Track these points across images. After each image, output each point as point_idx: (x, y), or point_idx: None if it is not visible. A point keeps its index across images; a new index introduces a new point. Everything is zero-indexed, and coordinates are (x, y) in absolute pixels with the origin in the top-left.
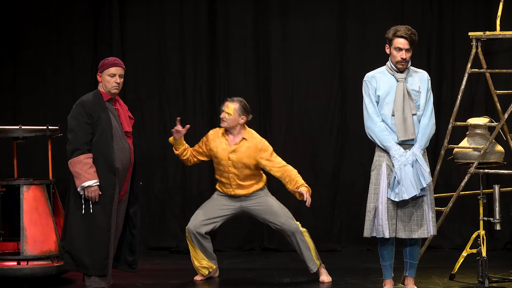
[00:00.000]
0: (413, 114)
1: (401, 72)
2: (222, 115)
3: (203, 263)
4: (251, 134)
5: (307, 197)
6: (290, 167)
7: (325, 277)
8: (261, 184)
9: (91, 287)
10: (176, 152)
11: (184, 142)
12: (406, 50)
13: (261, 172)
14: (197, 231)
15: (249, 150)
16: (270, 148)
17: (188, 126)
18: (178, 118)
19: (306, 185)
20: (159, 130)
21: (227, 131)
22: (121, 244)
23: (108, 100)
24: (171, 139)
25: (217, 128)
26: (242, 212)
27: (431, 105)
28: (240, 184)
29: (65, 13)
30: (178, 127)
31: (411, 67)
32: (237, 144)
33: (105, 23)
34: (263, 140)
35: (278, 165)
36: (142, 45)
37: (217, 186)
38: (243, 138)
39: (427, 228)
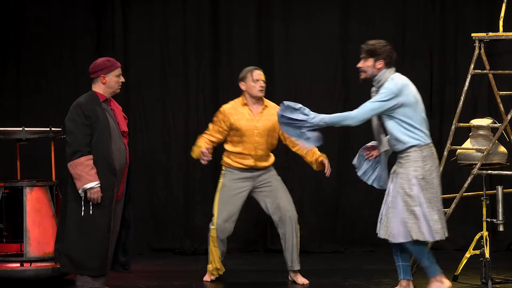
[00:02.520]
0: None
1: (374, 84)
2: (261, 84)
3: (218, 265)
4: (269, 102)
5: (327, 166)
6: None
7: (303, 279)
8: (273, 158)
9: (84, 285)
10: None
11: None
12: (361, 58)
13: None
14: (230, 229)
15: (273, 116)
16: None
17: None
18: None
19: (324, 155)
20: (162, 132)
21: (246, 102)
22: (116, 245)
23: (103, 101)
24: (197, 153)
25: (230, 103)
26: (249, 195)
27: (369, 101)
28: (261, 155)
29: (68, 15)
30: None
31: (394, 76)
32: (260, 112)
33: (108, 24)
34: None
35: None
36: (145, 46)
37: (228, 161)
38: (265, 106)
39: (386, 230)
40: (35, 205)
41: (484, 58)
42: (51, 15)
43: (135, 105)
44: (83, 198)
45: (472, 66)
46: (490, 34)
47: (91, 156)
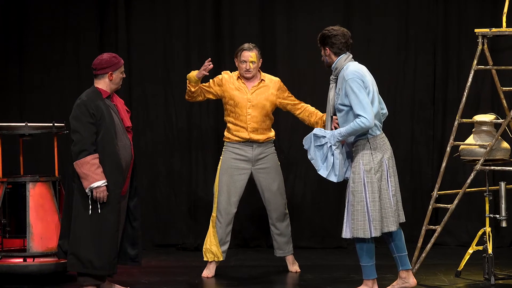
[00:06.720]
0: (331, 117)
1: (333, 72)
2: (247, 66)
3: (213, 249)
4: (268, 76)
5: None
6: (304, 103)
7: (296, 267)
8: (273, 132)
9: (85, 284)
10: (193, 89)
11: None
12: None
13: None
14: (230, 211)
15: (268, 90)
16: (286, 88)
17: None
18: (209, 59)
19: None
20: (164, 128)
21: (239, 76)
22: (122, 239)
23: (107, 97)
24: (193, 75)
25: (230, 73)
26: (251, 178)
27: (354, 105)
28: (255, 127)
29: (71, 11)
30: (210, 65)
31: (350, 64)
32: (255, 86)
33: (111, 21)
34: (279, 79)
35: (296, 102)
36: (148, 43)
37: (228, 135)
38: (262, 80)
39: (344, 228)
40: (38, 200)
41: (487, 53)
42: (54, 10)
43: (137, 101)
44: (90, 197)
45: (475, 61)
46: (494, 29)
47: (97, 155)
